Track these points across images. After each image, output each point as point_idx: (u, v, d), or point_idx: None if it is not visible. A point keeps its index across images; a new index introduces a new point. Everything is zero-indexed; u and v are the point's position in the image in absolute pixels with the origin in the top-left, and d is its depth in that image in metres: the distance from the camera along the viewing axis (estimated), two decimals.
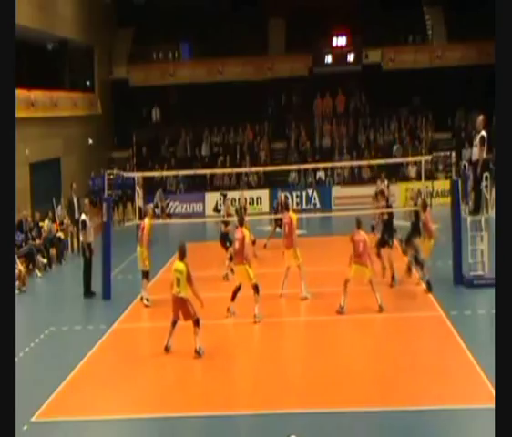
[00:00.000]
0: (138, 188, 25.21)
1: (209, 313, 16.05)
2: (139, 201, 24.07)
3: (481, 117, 17.09)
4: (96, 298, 18.01)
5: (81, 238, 19.24)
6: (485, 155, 17.10)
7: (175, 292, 13.30)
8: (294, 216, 17.44)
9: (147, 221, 17.33)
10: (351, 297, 15.67)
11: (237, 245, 15.45)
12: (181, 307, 13.23)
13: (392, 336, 14.19)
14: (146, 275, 17.21)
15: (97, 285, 18.16)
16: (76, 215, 23.48)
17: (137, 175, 25.42)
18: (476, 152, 17.11)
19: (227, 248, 19.24)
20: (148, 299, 17.03)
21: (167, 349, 13.43)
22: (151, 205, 17.83)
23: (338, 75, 35.61)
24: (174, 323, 13.39)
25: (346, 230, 20.37)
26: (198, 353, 13.17)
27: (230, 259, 19.21)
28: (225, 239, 19.44)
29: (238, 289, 15.49)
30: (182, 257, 13.36)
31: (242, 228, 15.65)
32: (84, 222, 18.62)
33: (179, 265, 13.30)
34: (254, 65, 36.50)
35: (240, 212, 19.63)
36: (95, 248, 18.53)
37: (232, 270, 19.17)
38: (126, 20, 37.45)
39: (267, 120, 36.15)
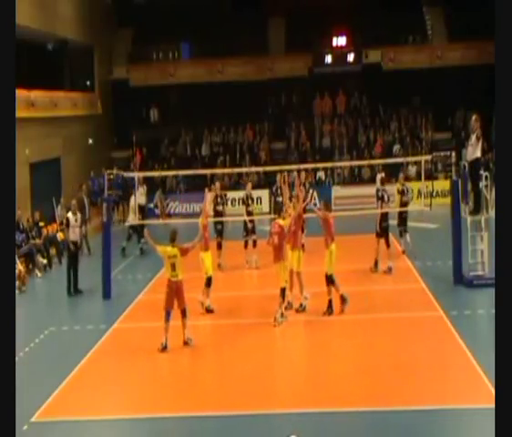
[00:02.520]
0: (138, 186, 25.19)
1: (208, 313, 16.15)
2: (141, 199, 24.06)
3: (474, 117, 17.02)
4: (96, 298, 17.96)
5: (65, 236, 19.29)
6: (478, 154, 17.09)
7: (171, 277, 13.54)
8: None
9: (204, 221, 16.22)
10: (351, 297, 15.63)
11: (276, 239, 14.71)
12: (177, 292, 13.52)
13: (392, 336, 14.17)
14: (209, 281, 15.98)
15: (96, 285, 18.16)
16: (87, 215, 23.67)
17: (137, 175, 25.39)
18: (471, 151, 17.10)
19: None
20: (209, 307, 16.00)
21: (165, 348, 13.45)
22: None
23: (338, 75, 35.59)
24: (168, 316, 13.49)
25: (346, 230, 20.46)
26: (187, 343, 13.59)
27: (219, 246, 20.03)
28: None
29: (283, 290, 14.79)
30: (173, 241, 13.63)
31: (280, 219, 14.99)
32: (67, 220, 18.83)
33: (172, 250, 13.57)
34: (254, 65, 36.48)
35: (278, 205, 18.49)
36: (95, 248, 18.50)
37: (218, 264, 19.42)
38: (126, 20, 37.42)
39: (267, 120, 36.09)
